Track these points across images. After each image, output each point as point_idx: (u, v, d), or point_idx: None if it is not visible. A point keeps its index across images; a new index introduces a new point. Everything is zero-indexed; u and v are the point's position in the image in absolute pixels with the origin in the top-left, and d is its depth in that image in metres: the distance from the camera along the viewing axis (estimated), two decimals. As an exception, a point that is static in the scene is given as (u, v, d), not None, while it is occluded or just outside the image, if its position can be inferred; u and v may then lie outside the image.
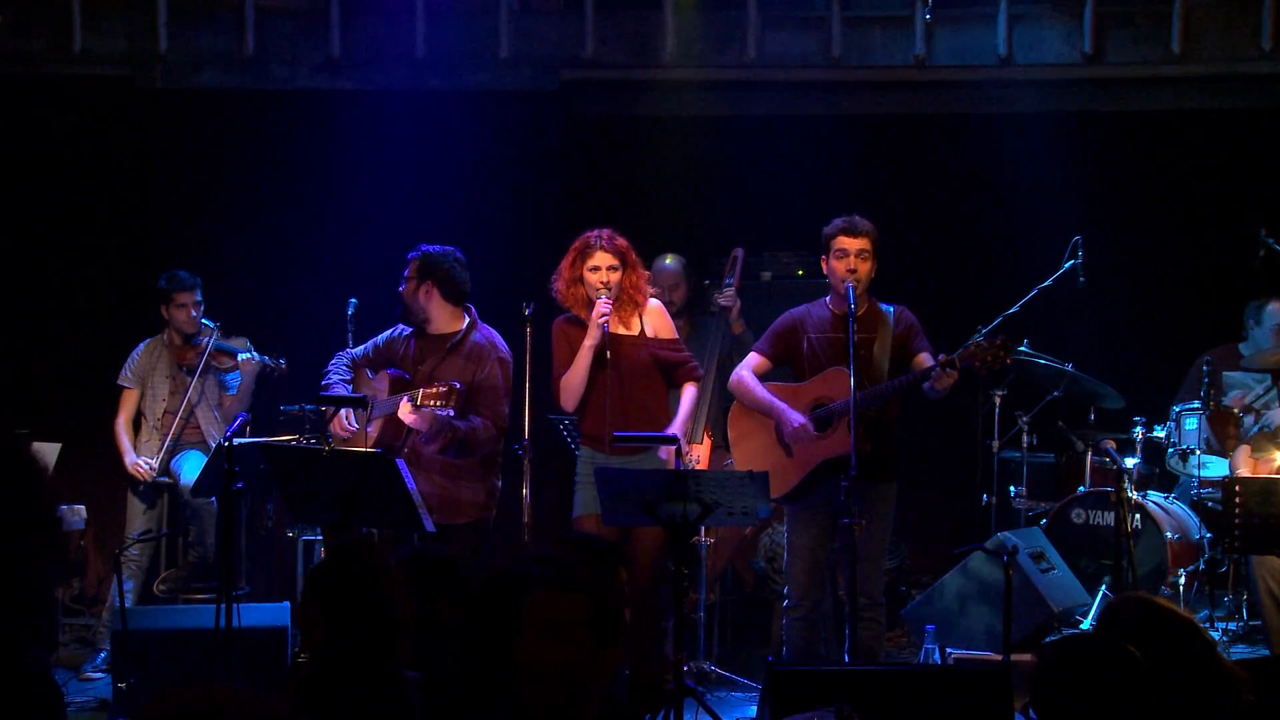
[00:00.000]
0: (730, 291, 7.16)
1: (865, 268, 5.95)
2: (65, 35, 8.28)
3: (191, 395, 7.31)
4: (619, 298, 6.07)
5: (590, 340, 6.00)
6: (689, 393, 6.21)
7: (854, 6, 8.53)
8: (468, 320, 6.29)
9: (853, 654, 5.73)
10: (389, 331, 6.45)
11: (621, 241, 6.09)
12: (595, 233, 6.09)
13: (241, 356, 7.28)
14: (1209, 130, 8.57)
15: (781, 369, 6.26)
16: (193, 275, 7.40)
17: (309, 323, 7.76)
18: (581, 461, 6.18)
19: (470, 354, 6.20)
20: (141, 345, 7.47)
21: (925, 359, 5.97)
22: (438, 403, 5.80)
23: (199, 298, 7.37)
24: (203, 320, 7.40)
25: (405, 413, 5.90)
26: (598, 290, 6.01)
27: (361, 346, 6.50)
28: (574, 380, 6.05)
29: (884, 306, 6.09)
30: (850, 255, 5.94)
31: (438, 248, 6.29)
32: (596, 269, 6.03)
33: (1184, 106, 8.58)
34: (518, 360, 6.50)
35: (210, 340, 7.31)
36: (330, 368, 6.43)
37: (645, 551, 5.97)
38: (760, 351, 6.19)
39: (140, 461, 7.24)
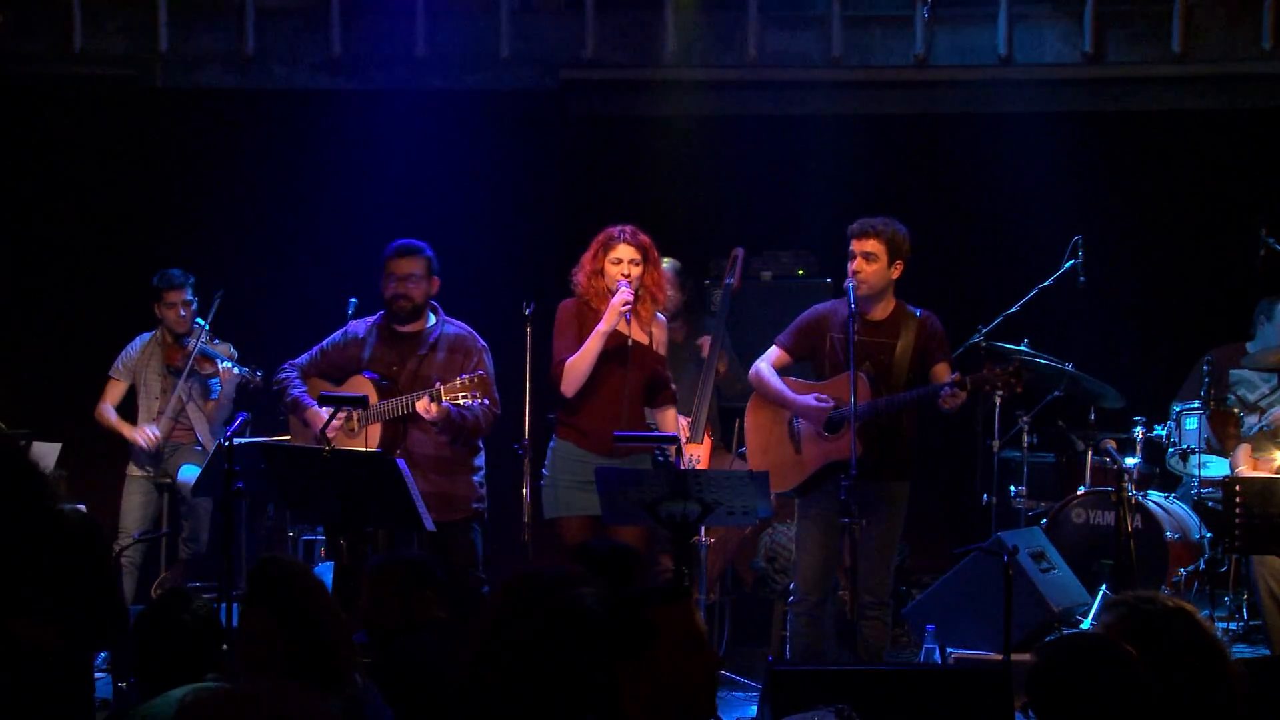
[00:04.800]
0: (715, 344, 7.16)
1: (870, 269, 5.89)
2: (65, 35, 8.29)
3: (180, 396, 7.30)
4: (639, 294, 6.02)
5: (606, 325, 5.92)
6: (674, 416, 6.26)
7: (854, 6, 8.54)
8: (438, 316, 6.34)
9: (857, 652, 5.72)
10: (336, 335, 6.41)
11: (644, 238, 6.08)
12: (619, 228, 6.07)
13: (223, 365, 7.24)
14: (1209, 130, 8.57)
15: (802, 367, 6.25)
16: (185, 274, 7.36)
17: (308, 322, 7.74)
18: (557, 456, 6.07)
19: (454, 346, 6.24)
20: (138, 339, 7.48)
21: (943, 370, 5.95)
22: (467, 395, 5.82)
23: (189, 296, 7.34)
24: (196, 320, 7.38)
25: (430, 410, 5.90)
26: (619, 281, 6.00)
27: (305, 355, 6.40)
28: (583, 364, 5.95)
29: (911, 310, 6.05)
30: (857, 257, 5.92)
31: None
32: (619, 261, 6.01)
33: (1184, 106, 8.58)
34: (518, 361, 6.51)
35: (196, 343, 7.29)
36: (286, 381, 6.33)
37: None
38: (781, 345, 6.15)
39: (146, 429, 7.24)
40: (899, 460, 5.95)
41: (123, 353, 7.47)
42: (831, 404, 5.90)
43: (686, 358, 7.19)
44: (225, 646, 3.58)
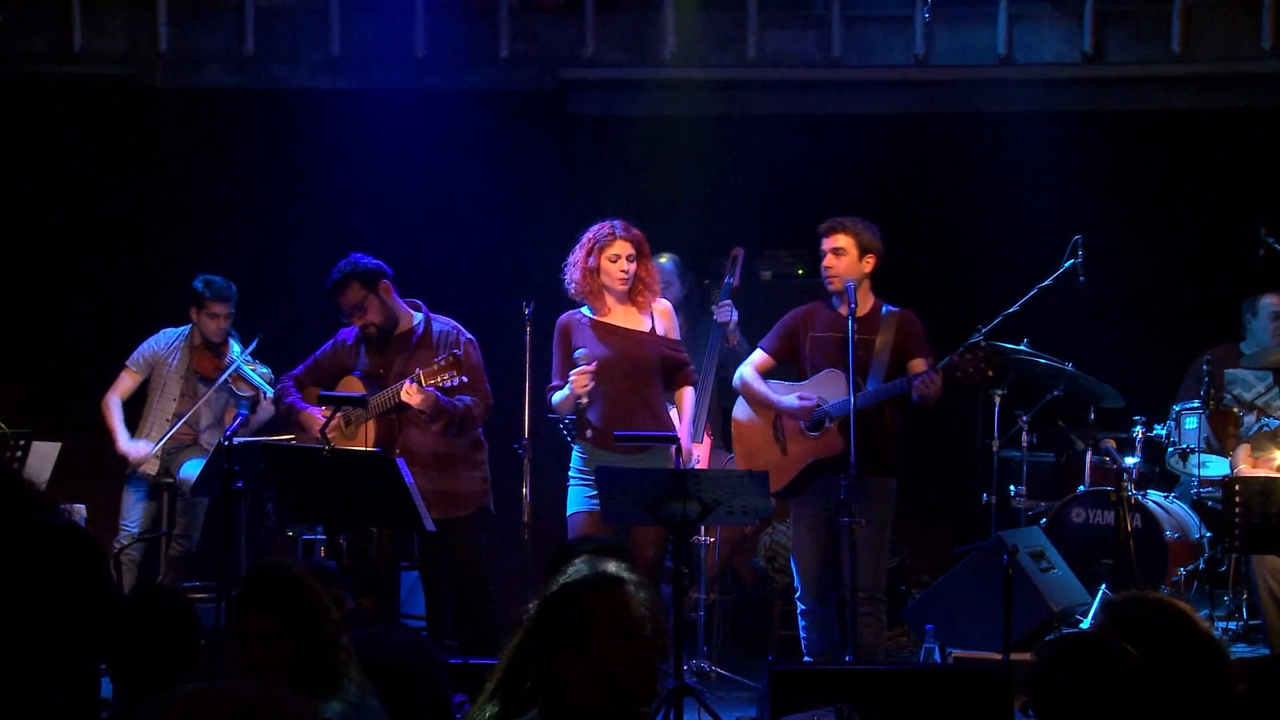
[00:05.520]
0: (726, 305, 7.14)
1: (841, 264, 6.01)
2: (65, 35, 8.29)
3: (202, 408, 7.24)
4: (634, 287, 6.08)
5: (573, 397, 5.94)
6: (690, 395, 6.26)
7: (854, 6, 8.54)
8: (422, 313, 6.35)
9: (853, 651, 5.74)
10: (327, 345, 6.47)
11: (637, 231, 6.11)
12: (609, 223, 6.08)
13: (269, 394, 7.13)
14: (1209, 130, 8.56)
15: (787, 369, 6.28)
16: (228, 283, 7.27)
17: (308, 323, 7.75)
18: (588, 460, 6.10)
19: (440, 342, 6.26)
20: (164, 336, 7.37)
21: (919, 366, 5.98)
22: (446, 376, 5.82)
23: (232, 310, 7.30)
24: (230, 331, 7.34)
25: (411, 394, 5.90)
26: (617, 279, 6.01)
27: (300, 365, 6.47)
28: (565, 407, 6.07)
29: (888, 309, 6.10)
30: (827, 254, 6.04)
31: (367, 258, 6.30)
32: (617, 258, 6.03)
33: (1184, 106, 8.57)
34: (518, 360, 6.51)
35: (236, 363, 7.21)
36: (282, 390, 6.42)
37: (644, 550, 5.97)
38: (765, 348, 6.24)
39: (141, 445, 7.19)
40: (882, 456, 5.98)
41: (145, 345, 7.35)
42: (814, 400, 5.96)
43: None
44: (203, 642, 3.56)
